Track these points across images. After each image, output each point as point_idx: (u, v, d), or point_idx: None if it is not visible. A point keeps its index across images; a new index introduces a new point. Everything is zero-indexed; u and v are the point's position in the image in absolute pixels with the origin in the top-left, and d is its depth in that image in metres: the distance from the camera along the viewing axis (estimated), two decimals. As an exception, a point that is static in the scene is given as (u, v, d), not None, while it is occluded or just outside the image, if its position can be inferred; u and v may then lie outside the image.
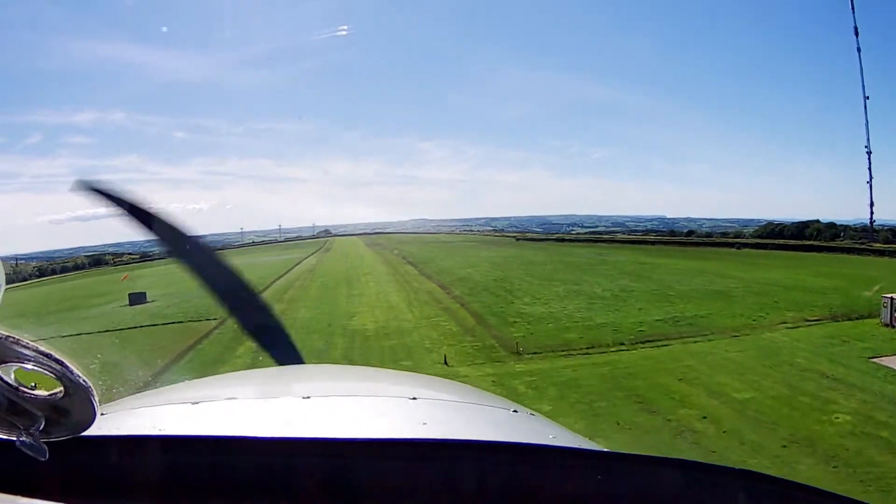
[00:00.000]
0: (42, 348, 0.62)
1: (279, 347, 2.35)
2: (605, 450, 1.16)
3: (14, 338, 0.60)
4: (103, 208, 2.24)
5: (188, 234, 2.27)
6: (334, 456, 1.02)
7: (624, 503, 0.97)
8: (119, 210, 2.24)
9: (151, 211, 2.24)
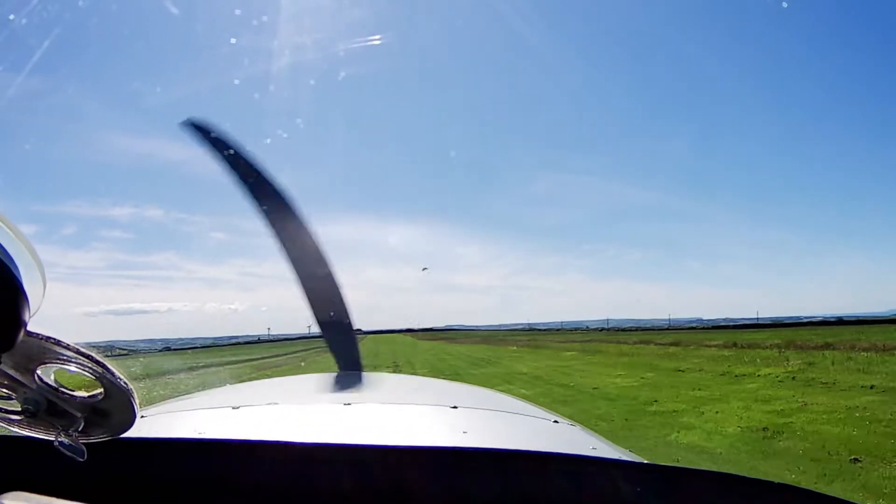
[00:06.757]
0: (83, 349, 0.62)
1: (344, 355, 2.38)
2: (646, 462, 1.11)
3: (55, 339, 0.60)
4: (209, 154, 2.06)
5: (297, 215, 2.07)
6: (375, 463, 1.01)
7: None
8: (223, 162, 2.07)
9: (261, 176, 2.00)
